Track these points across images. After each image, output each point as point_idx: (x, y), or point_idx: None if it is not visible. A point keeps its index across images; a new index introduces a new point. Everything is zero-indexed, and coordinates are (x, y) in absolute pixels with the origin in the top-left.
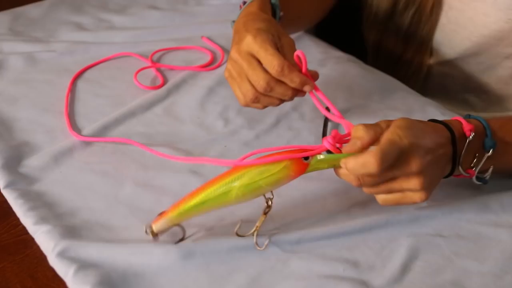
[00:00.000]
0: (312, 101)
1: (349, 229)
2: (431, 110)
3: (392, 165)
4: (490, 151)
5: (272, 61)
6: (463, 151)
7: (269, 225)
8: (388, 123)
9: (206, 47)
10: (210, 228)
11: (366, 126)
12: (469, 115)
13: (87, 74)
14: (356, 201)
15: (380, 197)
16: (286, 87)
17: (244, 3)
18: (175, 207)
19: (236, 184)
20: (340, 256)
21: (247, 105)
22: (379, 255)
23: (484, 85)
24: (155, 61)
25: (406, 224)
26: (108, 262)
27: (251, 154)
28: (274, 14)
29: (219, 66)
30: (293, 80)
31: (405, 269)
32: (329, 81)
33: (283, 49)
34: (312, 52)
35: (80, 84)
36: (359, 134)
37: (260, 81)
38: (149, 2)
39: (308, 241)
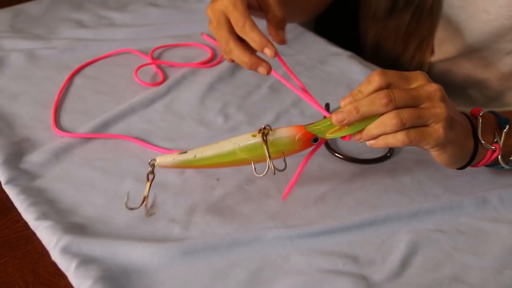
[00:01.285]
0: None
1: (349, 224)
2: None
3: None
4: (507, 127)
5: (236, 17)
6: (480, 125)
7: (269, 221)
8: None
9: (206, 44)
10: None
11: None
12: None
13: (88, 70)
14: (356, 197)
15: (401, 134)
16: (243, 51)
17: None
18: (183, 153)
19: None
20: (340, 251)
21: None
22: (379, 250)
23: (485, 81)
24: (155, 57)
25: (406, 220)
26: (110, 257)
27: None
28: None
29: (219, 62)
30: (254, 39)
31: (404, 264)
32: (329, 77)
33: (267, 5)
34: (312, 48)
35: (81, 80)
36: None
37: (221, 40)
38: (149, 0)
39: (308, 236)
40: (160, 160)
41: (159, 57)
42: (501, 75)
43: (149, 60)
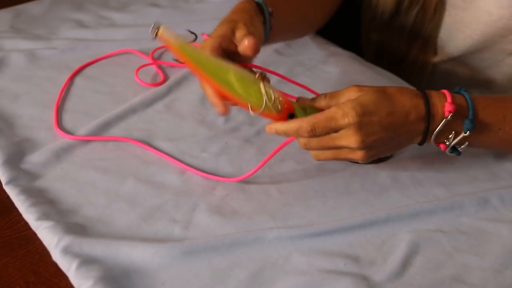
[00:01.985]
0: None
1: (350, 224)
2: None
3: (330, 134)
4: (468, 133)
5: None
6: (437, 129)
7: (270, 221)
8: (356, 90)
9: None
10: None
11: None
12: (460, 88)
13: (88, 71)
14: (357, 197)
15: (314, 153)
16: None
17: None
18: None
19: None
20: (341, 252)
21: None
22: (379, 250)
23: (488, 81)
24: (156, 58)
25: (407, 220)
26: (110, 258)
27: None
28: (263, 13)
29: None
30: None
31: (405, 264)
32: (330, 78)
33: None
34: (312, 48)
35: (81, 81)
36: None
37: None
38: (149, 0)
39: (309, 236)
40: (163, 31)
41: (159, 57)
42: (504, 75)
43: (149, 61)
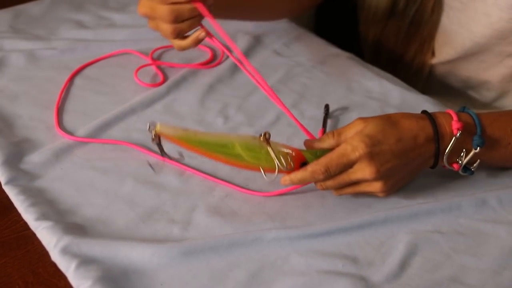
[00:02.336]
0: (312, 100)
1: (348, 225)
2: (429, 107)
3: (346, 171)
4: (478, 149)
5: None
6: (448, 147)
7: (269, 222)
8: (361, 124)
9: (206, 45)
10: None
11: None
12: (464, 108)
13: (88, 71)
14: (355, 198)
15: (334, 190)
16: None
17: None
18: (185, 131)
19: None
20: (339, 252)
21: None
22: (378, 251)
23: (486, 83)
24: (156, 58)
25: (405, 221)
26: (109, 258)
27: None
28: None
29: (219, 63)
30: None
31: (403, 265)
32: (329, 79)
33: None
34: (311, 49)
35: (81, 81)
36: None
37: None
38: None
39: (308, 237)
40: (161, 127)
41: (159, 57)
42: (501, 77)
43: (149, 61)
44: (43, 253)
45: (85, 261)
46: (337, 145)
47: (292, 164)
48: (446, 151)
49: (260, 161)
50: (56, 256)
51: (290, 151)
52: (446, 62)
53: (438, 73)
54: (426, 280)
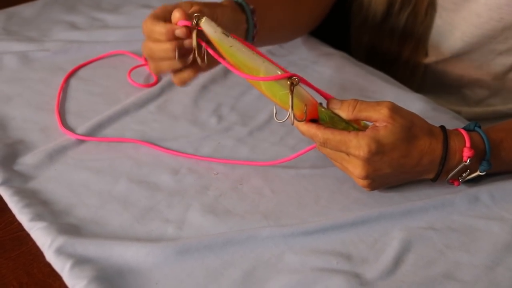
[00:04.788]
0: None
1: (342, 223)
2: (423, 106)
3: (341, 153)
4: (484, 172)
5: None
6: (454, 172)
7: (263, 220)
8: (384, 118)
9: None
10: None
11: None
12: (475, 124)
13: (81, 72)
14: (349, 195)
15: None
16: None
17: None
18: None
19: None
20: (334, 250)
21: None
22: (372, 248)
23: (479, 81)
24: None
25: (399, 217)
26: (104, 258)
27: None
28: (245, 12)
29: None
30: (174, 15)
31: (397, 261)
32: (322, 78)
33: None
34: (304, 48)
35: (74, 82)
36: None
37: (144, 24)
38: (142, 1)
39: (302, 235)
40: (205, 22)
41: None
42: (494, 75)
43: (142, 62)
44: (38, 254)
45: (80, 261)
46: (354, 119)
47: (305, 115)
48: (450, 174)
49: (276, 97)
50: (50, 257)
51: (306, 106)
52: (440, 61)
53: (432, 73)
54: (420, 276)
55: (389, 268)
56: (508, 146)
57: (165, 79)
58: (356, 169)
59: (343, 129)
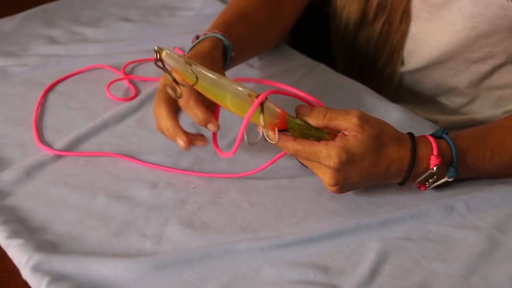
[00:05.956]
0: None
1: (319, 234)
2: (399, 116)
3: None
4: (451, 179)
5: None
6: (420, 179)
7: (241, 234)
8: (354, 128)
9: None
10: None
11: (321, 113)
12: (443, 131)
13: (60, 87)
14: (326, 207)
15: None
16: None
17: (197, 37)
18: (188, 63)
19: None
20: (311, 262)
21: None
22: (349, 259)
23: (454, 89)
24: (128, 72)
25: (376, 228)
26: (81, 274)
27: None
28: (225, 53)
29: None
30: (197, 115)
31: (374, 272)
32: (300, 88)
33: None
34: (284, 60)
35: (53, 97)
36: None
37: (156, 115)
38: (121, 15)
39: (279, 248)
40: (167, 55)
41: (131, 72)
42: (469, 83)
43: (121, 75)
44: (14, 271)
45: (56, 278)
46: (324, 127)
47: (276, 136)
48: (417, 180)
49: (244, 115)
50: (27, 274)
51: (278, 117)
52: (415, 70)
53: (408, 81)
54: (396, 287)
55: (365, 279)
56: (475, 153)
57: (144, 92)
58: (326, 176)
59: (313, 135)
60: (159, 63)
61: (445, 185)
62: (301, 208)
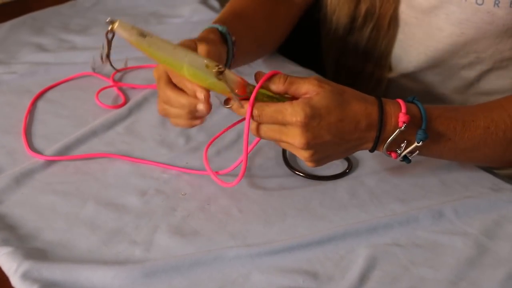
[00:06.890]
0: None
1: (309, 241)
2: None
3: (278, 127)
4: (420, 142)
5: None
6: (390, 139)
7: (230, 240)
8: (314, 88)
9: None
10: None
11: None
12: (413, 98)
13: (49, 94)
14: (316, 213)
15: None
16: (179, 93)
17: None
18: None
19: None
20: (300, 268)
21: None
22: (338, 266)
23: (442, 95)
24: (117, 80)
25: (365, 235)
26: (71, 282)
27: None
28: (226, 42)
29: None
30: (187, 86)
31: (363, 279)
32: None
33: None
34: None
35: (42, 105)
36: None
37: (159, 93)
38: None
39: (268, 254)
40: (119, 26)
41: (120, 79)
42: (456, 89)
43: (110, 83)
44: (4, 280)
45: (46, 286)
46: (284, 92)
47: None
48: (387, 141)
49: (204, 84)
50: (16, 282)
51: (236, 89)
52: (403, 76)
53: (396, 87)
54: None
55: (354, 285)
56: (445, 122)
57: (133, 100)
58: (296, 137)
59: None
60: (110, 35)
61: (418, 161)
62: (290, 214)
